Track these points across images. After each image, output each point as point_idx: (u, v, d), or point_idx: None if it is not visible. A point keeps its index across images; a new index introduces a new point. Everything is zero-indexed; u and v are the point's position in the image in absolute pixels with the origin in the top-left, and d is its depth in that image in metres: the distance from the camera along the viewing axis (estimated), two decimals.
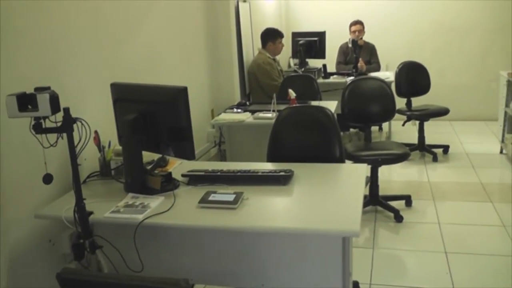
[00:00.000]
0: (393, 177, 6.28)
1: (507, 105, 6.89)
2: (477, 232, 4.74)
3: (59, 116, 2.40)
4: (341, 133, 7.61)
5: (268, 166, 3.26)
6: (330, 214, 2.56)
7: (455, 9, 8.81)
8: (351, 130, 7.97)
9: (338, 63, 8.01)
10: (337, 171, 3.27)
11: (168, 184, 2.93)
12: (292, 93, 5.09)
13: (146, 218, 2.53)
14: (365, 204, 5.09)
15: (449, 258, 4.21)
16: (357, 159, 4.68)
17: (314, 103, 5.13)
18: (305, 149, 3.52)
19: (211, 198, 2.68)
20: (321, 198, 2.78)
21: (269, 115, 4.74)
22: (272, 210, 2.70)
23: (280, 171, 2.99)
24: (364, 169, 3.16)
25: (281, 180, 2.92)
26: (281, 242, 2.64)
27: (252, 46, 6.87)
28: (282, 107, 4.12)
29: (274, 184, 2.91)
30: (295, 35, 7.96)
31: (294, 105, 4.76)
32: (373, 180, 5.11)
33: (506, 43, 8.34)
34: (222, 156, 5.59)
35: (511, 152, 6.50)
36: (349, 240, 2.60)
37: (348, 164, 3.61)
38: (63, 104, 2.41)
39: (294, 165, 3.17)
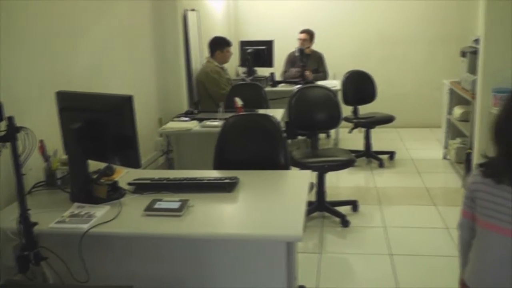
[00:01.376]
0: (341, 183, 6.37)
1: (449, 113, 7.08)
2: (421, 234, 4.87)
3: (3, 125, 2.38)
4: (289, 141, 7.76)
5: (214, 174, 3.30)
6: (274, 219, 2.61)
7: (400, 21, 9.01)
8: (299, 137, 8.06)
9: (284, 72, 8.09)
10: (282, 178, 3.33)
11: (114, 193, 2.93)
12: (239, 102, 5.14)
13: (91, 228, 2.53)
14: (313, 210, 5.18)
15: (394, 260, 4.33)
16: (303, 166, 4.75)
17: (262, 111, 5.18)
18: (251, 156, 3.57)
19: (156, 206, 2.70)
20: (266, 205, 2.84)
21: (216, 123, 4.77)
22: (217, 216, 2.74)
23: (226, 178, 3.03)
24: (307, 176, 3.22)
25: (226, 187, 2.96)
26: (226, 248, 2.67)
27: (201, 55, 6.88)
28: (229, 115, 4.15)
29: (219, 191, 2.94)
30: (244, 43, 8.01)
31: (240, 113, 4.80)
32: (319, 186, 5.19)
33: (448, 53, 8.56)
34: (170, 165, 5.59)
35: (454, 157, 6.67)
36: (293, 245, 2.65)
37: (293, 170, 3.67)
38: (7, 112, 2.38)
39: (240, 172, 3.21)
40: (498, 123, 2.11)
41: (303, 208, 2.69)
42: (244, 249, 2.66)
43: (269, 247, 2.62)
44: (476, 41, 6.01)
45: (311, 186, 4.47)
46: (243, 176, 3.15)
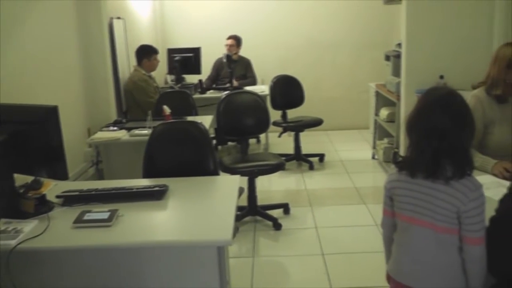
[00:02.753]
0: (272, 187, 6.44)
1: (376, 114, 7.27)
2: (352, 232, 4.99)
3: None
4: (220, 147, 7.79)
5: (143, 182, 3.30)
6: (204, 225, 2.64)
7: (327, 26, 9.19)
8: (230, 143, 8.11)
9: (208, 78, 8.13)
10: (211, 184, 3.36)
11: (43, 206, 2.87)
12: (167, 109, 5.14)
13: (19, 243, 2.47)
14: (245, 215, 5.22)
15: (327, 259, 4.41)
16: (234, 171, 4.77)
17: (190, 118, 5.18)
18: (180, 163, 3.57)
19: (85, 217, 2.67)
20: (195, 210, 2.86)
21: (145, 131, 4.75)
22: (147, 225, 2.73)
23: (155, 186, 3.04)
24: (236, 181, 3.27)
25: (156, 195, 2.96)
26: (158, 255, 2.67)
27: (128, 63, 6.83)
28: (158, 123, 4.14)
29: (149, 199, 2.94)
30: (171, 51, 7.99)
31: (168, 121, 4.80)
32: (250, 191, 5.23)
33: (374, 56, 8.77)
34: (100, 175, 5.53)
35: (382, 157, 6.84)
36: (224, 249, 2.68)
37: (222, 176, 3.69)
38: None
39: (169, 179, 3.23)
40: (410, 119, 2.23)
41: (232, 212, 2.73)
42: (176, 255, 2.67)
43: (200, 252, 2.64)
44: (399, 45, 6.21)
45: (241, 191, 4.51)
46: (173, 183, 3.16)
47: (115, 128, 5.12)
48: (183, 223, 2.74)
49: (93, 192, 3.04)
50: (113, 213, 2.68)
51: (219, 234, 2.52)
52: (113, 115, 5.95)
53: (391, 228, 2.41)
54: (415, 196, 2.19)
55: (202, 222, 2.69)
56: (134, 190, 3.02)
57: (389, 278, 2.41)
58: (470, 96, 3.50)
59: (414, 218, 2.21)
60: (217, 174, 3.61)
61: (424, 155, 2.14)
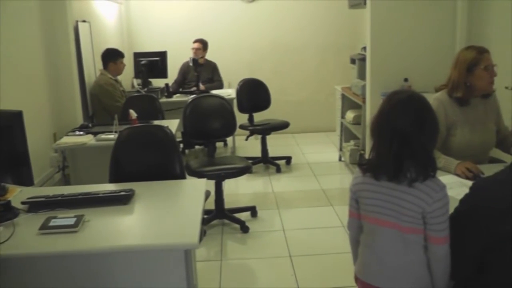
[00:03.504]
0: (240, 190, 6.46)
1: (342, 117, 7.35)
2: (319, 234, 5.03)
3: None
4: (187, 150, 7.79)
5: (109, 187, 3.29)
6: (171, 229, 2.65)
7: (292, 29, 9.26)
8: (197, 147, 8.12)
9: (174, 82, 8.13)
10: (177, 188, 3.36)
11: (7, 213, 2.83)
12: (133, 114, 5.13)
13: None
14: (212, 218, 5.23)
15: (294, 261, 4.45)
16: (200, 175, 4.78)
17: (157, 122, 5.18)
18: (146, 167, 3.57)
19: (51, 223, 2.65)
20: (162, 214, 2.86)
21: (111, 136, 4.73)
22: (113, 229, 2.72)
23: (121, 191, 3.03)
24: (203, 184, 3.28)
25: (122, 199, 2.96)
26: (125, 260, 2.67)
27: (94, 67, 6.80)
28: (124, 127, 4.13)
29: (115, 204, 2.94)
30: (137, 55, 7.98)
31: (134, 125, 4.78)
32: (217, 194, 5.24)
33: (340, 60, 8.88)
34: (66, 181, 5.48)
35: (348, 159, 6.91)
36: (191, 253, 2.69)
37: (188, 180, 3.70)
38: None
39: (136, 184, 3.22)
40: (373, 122, 2.27)
41: (199, 216, 2.74)
42: (143, 259, 2.66)
43: (167, 256, 2.64)
44: (364, 48, 6.29)
45: (207, 194, 4.53)
46: (139, 187, 3.16)
47: (81, 132, 5.08)
48: (149, 227, 2.74)
49: (59, 198, 3.01)
50: (79, 218, 2.67)
51: (186, 237, 2.53)
52: (79, 120, 5.90)
53: (357, 229, 2.44)
54: (381, 198, 2.23)
55: (169, 225, 2.69)
56: (100, 195, 3.01)
57: (356, 279, 2.45)
58: (432, 99, 3.57)
59: (380, 219, 2.25)
60: (183, 177, 3.62)
61: (387, 158, 2.18)
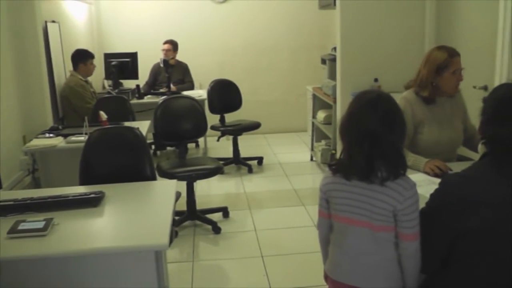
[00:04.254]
0: (212, 191, 6.47)
1: (314, 117, 7.39)
2: (291, 234, 5.06)
3: None
4: (158, 152, 7.77)
5: (79, 190, 3.26)
6: (140, 230, 2.65)
7: (263, 30, 9.28)
8: (168, 148, 8.10)
9: (146, 83, 8.11)
10: (148, 189, 3.36)
11: None
12: (103, 115, 5.10)
13: None
14: (184, 219, 5.22)
15: (266, 261, 4.47)
16: (172, 176, 4.76)
17: (127, 123, 5.16)
18: (117, 169, 3.55)
19: (20, 227, 2.62)
20: (132, 216, 2.86)
21: (81, 138, 4.69)
22: (83, 232, 2.71)
23: (91, 193, 3.01)
24: (173, 185, 3.28)
25: (92, 202, 2.94)
26: (96, 263, 2.65)
27: (64, 68, 6.73)
28: (94, 129, 4.11)
29: (85, 206, 2.92)
30: (108, 56, 7.91)
31: (105, 126, 4.76)
32: (189, 195, 5.24)
33: (311, 60, 8.92)
34: (36, 184, 5.42)
35: (320, 158, 6.95)
36: (161, 254, 2.69)
37: (158, 181, 3.69)
38: None
39: (106, 186, 3.22)
40: (342, 124, 2.29)
41: (169, 217, 2.74)
42: (113, 262, 2.65)
43: (138, 258, 2.63)
44: (335, 49, 6.33)
45: (178, 195, 4.52)
46: (109, 189, 3.15)
47: (51, 135, 5.03)
48: (119, 229, 2.74)
49: (28, 201, 2.98)
50: (48, 222, 2.65)
51: (156, 239, 2.53)
52: (49, 122, 5.84)
53: (327, 229, 2.46)
54: (352, 197, 2.24)
55: (139, 227, 2.69)
56: (70, 198, 2.99)
57: (326, 277, 2.47)
58: (399, 98, 3.63)
59: (351, 219, 2.26)
60: (154, 179, 3.61)
61: (358, 159, 2.19)
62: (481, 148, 2.35)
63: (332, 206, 2.36)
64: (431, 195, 2.27)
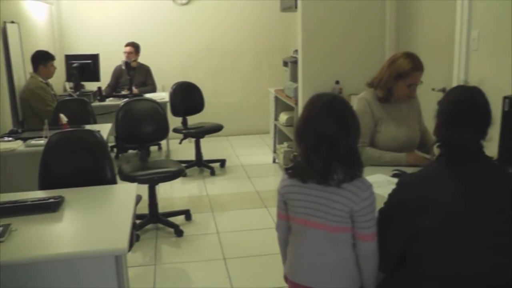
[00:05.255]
0: (175, 194, 6.46)
1: (276, 119, 7.43)
2: (254, 236, 5.08)
3: None
4: (120, 155, 7.71)
5: (39, 194, 3.23)
6: (100, 235, 2.63)
7: (226, 33, 9.29)
8: (131, 151, 8.06)
9: (108, 85, 8.04)
10: (108, 193, 3.34)
11: None
12: (63, 118, 5.05)
13: None
14: (146, 223, 5.21)
15: (228, 264, 4.49)
16: (133, 180, 4.73)
17: (88, 126, 5.12)
18: (77, 173, 3.52)
19: None
20: (92, 221, 2.84)
21: (41, 141, 4.62)
22: (42, 238, 2.67)
23: (50, 198, 2.99)
24: (134, 189, 3.26)
25: (51, 207, 2.91)
26: (56, 269, 2.61)
27: (24, 70, 6.64)
28: (54, 132, 4.06)
29: (44, 212, 2.89)
30: (69, 57, 7.81)
31: (65, 130, 4.71)
32: (151, 198, 5.22)
33: (273, 63, 8.96)
34: None
35: (282, 160, 6.98)
36: (121, 258, 2.68)
37: (119, 185, 3.68)
38: None
39: (66, 190, 3.19)
40: (298, 128, 2.30)
41: (129, 221, 2.73)
42: (73, 267, 2.63)
43: (98, 263, 2.62)
44: (296, 51, 6.37)
45: (138, 199, 4.50)
46: (69, 194, 3.13)
47: (10, 138, 4.96)
48: (78, 234, 2.72)
49: None
50: (5, 228, 2.61)
51: (115, 243, 2.52)
52: (9, 125, 5.74)
53: (286, 231, 2.47)
54: (309, 199, 2.26)
55: (98, 232, 2.67)
56: (28, 203, 2.95)
57: (286, 279, 2.48)
58: (358, 98, 3.70)
59: (308, 220, 2.28)
60: (114, 183, 3.59)
61: (315, 163, 2.20)
62: (436, 150, 2.40)
63: (289, 208, 2.37)
64: (389, 195, 2.32)
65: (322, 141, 2.19)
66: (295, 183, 2.30)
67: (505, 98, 2.80)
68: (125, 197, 3.18)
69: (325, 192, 2.22)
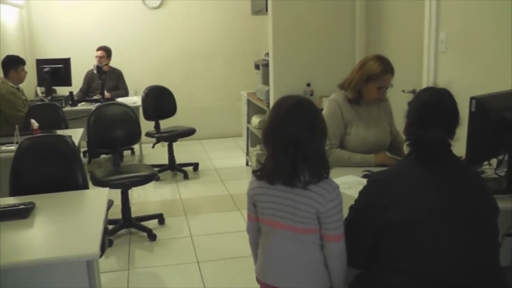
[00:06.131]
0: (148, 198, 6.45)
1: (248, 122, 7.45)
2: (227, 239, 5.10)
3: None
4: (93, 160, 7.66)
5: (9, 201, 3.21)
6: (71, 240, 2.63)
7: (198, 37, 9.31)
8: (104, 155, 8.02)
9: (79, 90, 7.99)
10: (80, 198, 3.33)
11: None
12: (34, 123, 5.01)
13: None
14: (119, 228, 5.19)
15: (202, 267, 4.50)
16: (106, 184, 4.70)
17: (60, 131, 5.09)
18: (48, 179, 3.49)
19: None
20: (63, 227, 2.83)
21: (12, 147, 4.58)
22: (12, 245, 2.64)
23: (20, 204, 2.97)
24: (105, 194, 3.26)
25: (21, 213, 2.90)
26: (27, 276, 2.60)
27: None
28: (25, 138, 4.03)
29: (14, 218, 2.87)
30: (40, 62, 7.74)
31: (35, 135, 4.68)
32: (124, 203, 5.21)
33: (245, 66, 8.95)
34: None
35: (255, 163, 7.01)
36: (93, 263, 2.68)
37: (90, 190, 3.66)
38: None
39: (37, 196, 3.17)
40: (265, 130, 2.33)
41: (100, 226, 2.73)
42: (45, 274, 2.61)
43: (70, 268, 2.61)
44: (268, 54, 6.39)
45: (110, 204, 4.50)
46: (40, 200, 3.11)
47: None
48: (50, 240, 2.72)
49: None
50: None
51: (86, 248, 2.52)
52: None
53: (256, 232, 2.50)
54: (276, 201, 2.29)
55: (69, 238, 2.67)
56: None
57: (258, 280, 2.51)
58: (328, 100, 3.74)
59: (276, 222, 2.31)
60: (86, 188, 3.58)
61: (281, 165, 2.23)
62: (406, 149, 2.45)
63: (258, 210, 2.40)
64: (359, 192, 2.38)
65: (288, 143, 2.21)
66: (263, 184, 2.33)
67: (471, 98, 2.85)
68: (96, 202, 3.17)
69: (292, 193, 2.25)
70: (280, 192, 2.27)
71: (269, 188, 2.30)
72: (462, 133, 2.47)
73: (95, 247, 2.48)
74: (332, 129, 3.54)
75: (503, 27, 3.55)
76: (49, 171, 3.56)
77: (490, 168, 3.13)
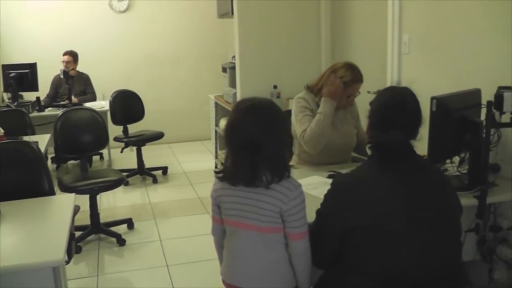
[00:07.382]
0: (117, 203, 6.43)
1: (216, 125, 7.47)
2: (196, 242, 5.10)
3: None
4: (60, 166, 7.59)
5: None
6: (36, 247, 2.61)
7: (165, 40, 9.34)
8: (72, 161, 7.96)
9: (47, 95, 7.93)
10: (45, 205, 3.30)
11: None
12: None
13: None
14: (87, 234, 5.15)
15: (171, 271, 4.51)
16: (73, 190, 4.68)
17: (26, 138, 5.05)
18: (13, 186, 3.43)
19: None
20: (28, 234, 2.80)
21: None
22: None
23: None
24: (71, 199, 3.24)
25: None
26: None
27: None
28: None
29: None
30: (6, 67, 7.65)
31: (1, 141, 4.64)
32: (92, 209, 5.18)
33: (213, 69, 8.98)
34: None
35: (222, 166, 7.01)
36: (59, 270, 2.66)
37: (56, 196, 3.63)
38: None
39: (2, 203, 3.12)
40: (225, 133, 2.35)
41: (65, 232, 2.71)
42: (10, 282, 2.56)
43: (35, 276, 2.58)
44: (234, 57, 6.42)
45: (76, 209, 4.47)
46: (5, 207, 3.08)
47: None
48: (14, 247, 2.68)
49: None
50: None
51: (52, 254, 2.50)
52: None
53: (221, 234, 2.53)
54: (240, 201, 2.31)
55: (35, 244, 2.65)
56: None
57: (223, 281, 2.52)
58: (297, 98, 3.75)
59: (240, 222, 2.34)
60: (52, 194, 3.55)
61: (242, 167, 2.25)
62: (368, 150, 2.48)
63: (222, 211, 2.43)
64: (324, 195, 2.40)
65: (245, 146, 2.23)
66: (226, 186, 2.35)
67: (432, 98, 2.91)
68: (62, 208, 3.15)
69: (255, 193, 2.27)
70: (242, 192, 2.30)
71: (231, 189, 2.33)
72: (424, 132, 2.52)
73: (61, 253, 2.47)
74: (303, 120, 3.58)
75: (464, 28, 3.61)
76: (14, 178, 3.51)
77: (452, 166, 3.19)
